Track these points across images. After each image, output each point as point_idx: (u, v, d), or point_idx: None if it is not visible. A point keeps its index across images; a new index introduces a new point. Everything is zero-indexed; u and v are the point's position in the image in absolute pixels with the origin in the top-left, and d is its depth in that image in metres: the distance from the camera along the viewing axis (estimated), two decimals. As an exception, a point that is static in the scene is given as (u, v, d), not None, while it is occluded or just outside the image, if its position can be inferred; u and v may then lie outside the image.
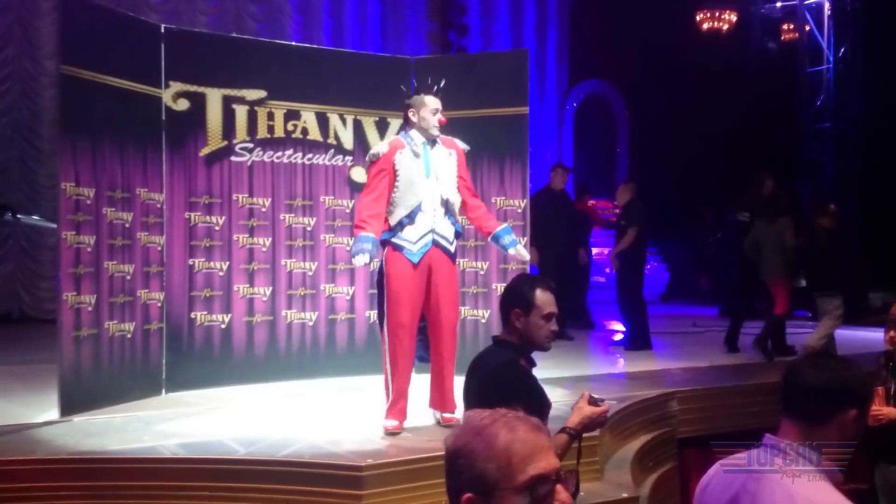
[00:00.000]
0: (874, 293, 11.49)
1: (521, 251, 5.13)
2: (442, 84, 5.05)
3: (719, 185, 14.54)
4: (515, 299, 3.23)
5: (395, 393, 4.84)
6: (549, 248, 8.92)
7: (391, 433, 4.76)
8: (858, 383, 2.43)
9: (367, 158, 5.11)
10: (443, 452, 1.64)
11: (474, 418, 1.61)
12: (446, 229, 4.94)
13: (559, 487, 1.57)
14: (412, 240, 4.82)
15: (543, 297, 3.19)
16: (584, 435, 3.14)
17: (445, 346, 4.93)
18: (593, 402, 2.96)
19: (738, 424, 5.99)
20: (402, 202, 4.84)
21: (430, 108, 4.92)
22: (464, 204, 5.08)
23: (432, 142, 4.96)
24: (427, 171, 4.88)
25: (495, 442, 1.54)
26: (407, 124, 5.02)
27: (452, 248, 4.99)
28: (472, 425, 1.59)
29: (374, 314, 6.83)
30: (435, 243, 4.88)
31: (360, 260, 4.70)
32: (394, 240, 4.83)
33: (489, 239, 5.19)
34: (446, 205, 4.93)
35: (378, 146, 5.01)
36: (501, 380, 3.12)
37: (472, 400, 3.22)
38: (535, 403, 2.99)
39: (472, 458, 1.54)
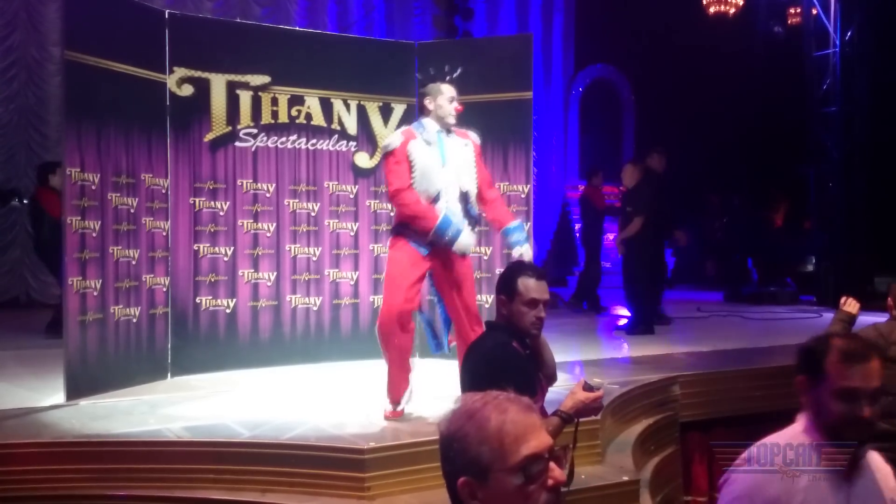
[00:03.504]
0: (880, 278, 11.46)
1: (525, 252, 4.79)
2: (458, 72, 4.95)
3: (725, 170, 14.56)
4: (501, 286, 3.33)
5: (388, 377, 4.85)
6: (658, 231, 8.98)
7: (388, 419, 4.80)
8: (806, 349, 2.36)
9: (380, 152, 5.02)
10: None
11: (466, 402, 1.61)
12: (460, 222, 4.79)
13: (552, 465, 1.57)
14: None
15: (527, 284, 3.24)
16: (585, 420, 3.19)
17: (468, 335, 4.70)
18: (588, 388, 3.01)
19: (740, 408, 6.03)
20: (421, 192, 4.73)
21: (446, 95, 4.83)
22: (479, 195, 4.91)
23: (447, 131, 4.86)
24: (443, 159, 4.77)
25: (487, 425, 1.54)
26: (422, 112, 4.94)
27: None
28: (464, 409, 1.59)
29: (378, 299, 6.88)
30: None
31: (468, 241, 4.68)
32: (408, 231, 4.73)
33: (500, 232, 5.02)
34: (465, 197, 4.81)
35: (390, 138, 4.89)
36: (492, 361, 3.18)
37: (466, 382, 3.28)
38: (525, 383, 3.04)
39: (466, 442, 1.55)
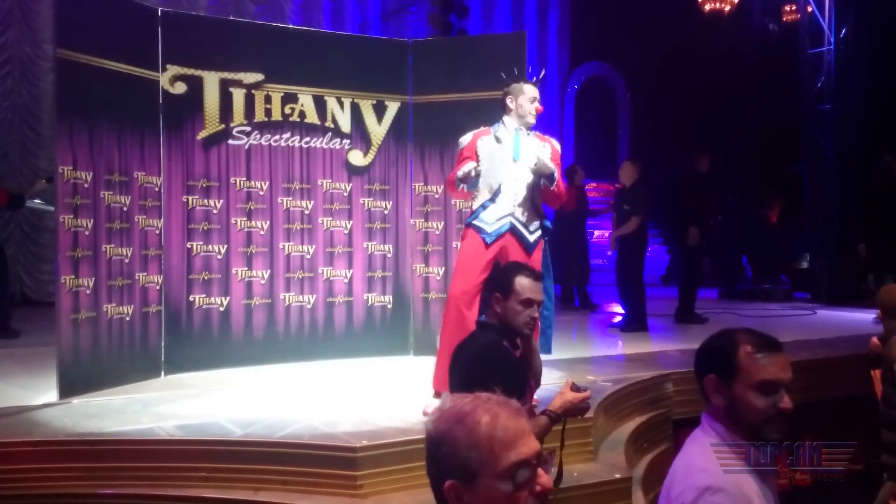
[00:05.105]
0: (873, 275, 11.49)
1: (542, 162, 4.83)
2: (542, 75, 5.17)
3: (720, 168, 14.55)
4: (497, 284, 3.36)
5: (437, 360, 4.90)
6: (701, 228, 9.08)
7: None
8: (709, 348, 2.23)
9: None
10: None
11: (456, 404, 1.60)
12: (525, 217, 4.91)
13: (540, 471, 1.56)
14: (489, 221, 4.87)
15: (523, 284, 3.28)
16: (576, 419, 3.20)
17: None
18: (576, 388, 3.04)
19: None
20: (485, 184, 4.93)
21: (528, 95, 4.96)
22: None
23: (526, 130, 4.99)
24: (516, 154, 4.92)
25: (477, 429, 1.53)
26: (503, 111, 5.05)
27: (531, 238, 4.93)
28: (454, 412, 1.58)
29: (371, 297, 6.91)
30: (511, 228, 4.87)
31: (468, 167, 4.79)
32: (475, 222, 4.91)
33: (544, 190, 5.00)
34: (535, 189, 4.94)
35: (463, 136, 5.09)
36: (484, 359, 3.19)
37: (456, 381, 3.29)
38: (516, 383, 3.05)
39: (455, 446, 1.53)
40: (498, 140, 4.94)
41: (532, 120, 5.00)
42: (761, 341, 2.17)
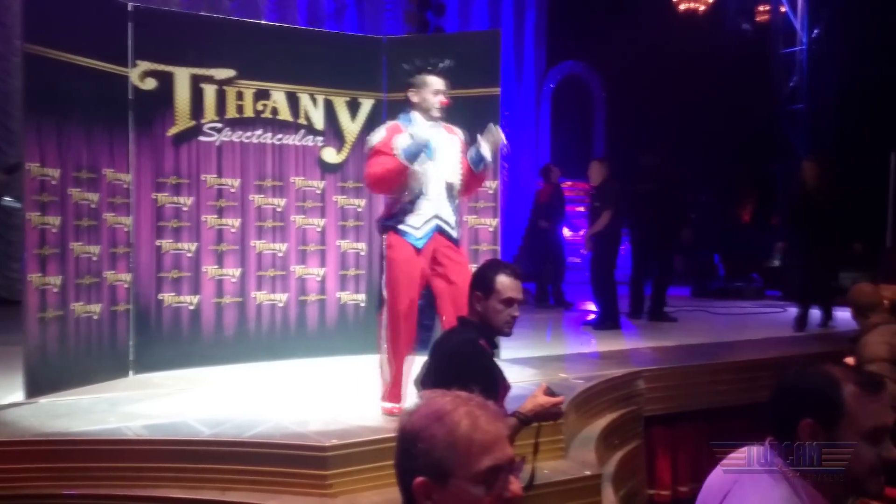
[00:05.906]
0: (845, 273, 11.60)
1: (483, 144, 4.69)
2: (447, 63, 4.83)
3: (693, 167, 14.65)
4: (477, 282, 3.33)
5: (393, 376, 4.75)
6: (665, 229, 9.22)
7: (390, 414, 4.68)
8: (812, 387, 1.94)
9: (365, 149, 4.86)
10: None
11: (435, 401, 1.59)
12: (449, 214, 4.76)
13: (511, 478, 1.57)
14: (416, 225, 4.66)
15: (504, 282, 3.26)
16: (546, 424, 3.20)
17: None
18: (550, 393, 3.03)
19: (704, 402, 6.08)
20: (407, 187, 4.68)
21: (431, 88, 4.73)
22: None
23: (434, 123, 4.76)
24: (429, 153, 4.69)
25: (456, 430, 1.53)
26: (408, 105, 4.84)
27: (455, 234, 4.78)
28: (433, 409, 1.57)
29: (344, 295, 6.87)
30: (438, 229, 4.72)
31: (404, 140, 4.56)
32: (400, 227, 4.67)
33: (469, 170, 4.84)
34: (450, 189, 4.76)
35: (375, 133, 4.79)
36: (458, 358, 3.18)
37: (430, 377, 3.27)
38: (489, 383, 3.04)
39: (431, 444, 1.53)
40: (413, 138, 4.66)
41: (437, 114, 4.74)
42: (866, 380, 1.93)
